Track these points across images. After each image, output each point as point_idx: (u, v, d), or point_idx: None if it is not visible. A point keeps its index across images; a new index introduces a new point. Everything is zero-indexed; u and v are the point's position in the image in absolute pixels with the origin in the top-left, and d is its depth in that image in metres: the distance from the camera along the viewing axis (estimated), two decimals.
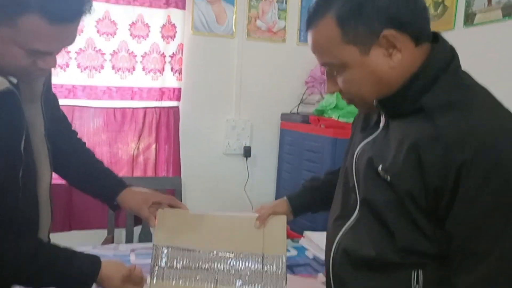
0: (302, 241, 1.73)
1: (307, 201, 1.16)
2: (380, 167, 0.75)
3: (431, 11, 1.97)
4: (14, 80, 0.84)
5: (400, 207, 0.72)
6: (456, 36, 1.82)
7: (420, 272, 0.73)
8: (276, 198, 2.67)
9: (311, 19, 0.76)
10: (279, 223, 1.09)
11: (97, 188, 1.15)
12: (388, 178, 0.73)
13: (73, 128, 1.21)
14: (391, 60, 0.72)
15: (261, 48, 2.61)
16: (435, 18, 1.95)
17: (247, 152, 2.61)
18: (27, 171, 0.87)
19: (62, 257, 0.90)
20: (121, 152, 2.40)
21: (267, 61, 2.63)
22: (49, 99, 1.05)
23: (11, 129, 0.83)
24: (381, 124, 0.81)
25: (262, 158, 2.68)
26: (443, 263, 0.71)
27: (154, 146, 2.44)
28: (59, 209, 2.23)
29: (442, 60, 0.72)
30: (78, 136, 1.21)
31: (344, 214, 0.85)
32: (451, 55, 0.74)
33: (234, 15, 2.52)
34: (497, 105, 0.70)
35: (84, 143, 1.21)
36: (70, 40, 0.81)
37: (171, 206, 1.11)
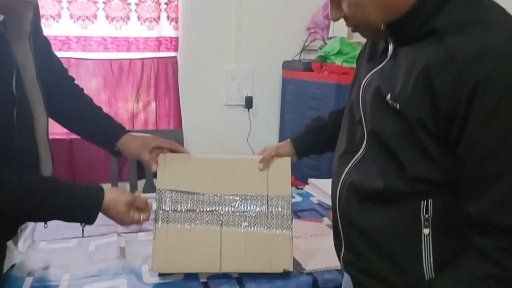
0: (307, 188, 1.72)
1: (310, 142, 1.12)
2: (388, 96, 0.71)
3: None
4: (0, 17, 0.80)
5: (409, 136, 0.69)
6: None
7: (430, 201, 0.71)
8: None
9: None
10: (283, 165, 1.07)
11: (97, 134, 1.12)
12: (397, 106, 0.69)
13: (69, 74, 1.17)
14: None
15: None
16: None
17: (248, 103, 2.56)
18: (22, 113, 0.84)
19: (64, 187, 0.88)
20: (120, 107, 2.36)
21: (267, 7, 2.53)
22: (40, 42, 1.01)
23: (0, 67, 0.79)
24: (389, 52, 0.76)
25: (264, 108, 2.64)
26: (453, 191, 0.69)
27: (153, 99, 2.39)
28: (61, 164, 2.22)
29: None
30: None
31: (351, 149, 0.83)
32: None
33: None
34: None
35: (82, 89, 1.16)
36: None
37: (172, 150, 1.08)
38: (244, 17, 2.48)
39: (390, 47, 0.77)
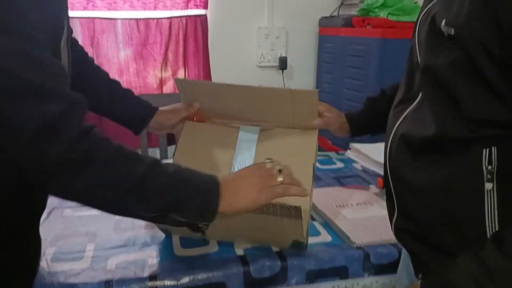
0: (349, 153, 1.57)
1: (367, 121, 1.02)
2: (443, 22, 0.61)
3: None
4: None
5: (468, 67, 0.58)
6: None
7: (494, 150, 0.59)
8: None
9: None
10: (311, 99, 0.90)
11: (122, 114, 1.01)
12: (452, 31, 0.59)
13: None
14: None
15: None
16: None
17: (282, 64, 2.39)
18: None
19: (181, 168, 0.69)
20: (148, 68, 2.25)
21: None
22: None
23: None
24: None
25: (299, 69, 2.46)
26: None
27: (182, 60, 2.26)
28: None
29: None
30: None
31: (407, 98, 0.72)
32: None
33: None
34: None
35: (98, 66, 1.04)
36: None
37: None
38: None
39: None
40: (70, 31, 0.79)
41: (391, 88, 0.97)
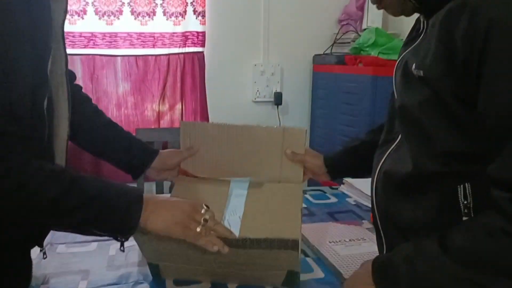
0: (342, 188, 1.59)
1: (345, 164, 1.05)
2: (413, 66, 0.67)
3: None
4: None
5: (435, 103, 0.63)
6: None
7: (468, 186, 0.63)
8: (310, 147, 2.52)
9: None
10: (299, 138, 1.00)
11: (120, 157, 1.02)
12: (421, 73, 0.65)
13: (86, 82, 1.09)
14: None
15: None
16: None
17: (277, 99, 2.45)
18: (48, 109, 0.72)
19: (112, 184, 0.72)
20: (146, 103, 2.30)
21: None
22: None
23: (41, 20, 0.67)
24: (421, 29, 0.71)
25: (294, 104, 2.52)
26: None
27: (179, 95, 2.31)
28: (87, 164, 2.17)
29: None
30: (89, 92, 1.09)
31: (389, 139, 0.77)
32: None
33: None
34: None
35: (97, 106, 1.06)
36: None
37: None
38: (273, 10, 2.38)
39: (422, 25, 0.71)
40: (67, 61, 0.81)
41: (370, 132, 1.02)
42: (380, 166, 0.76)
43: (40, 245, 0.86)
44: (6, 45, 0.60)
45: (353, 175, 1.10)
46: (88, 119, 1.01)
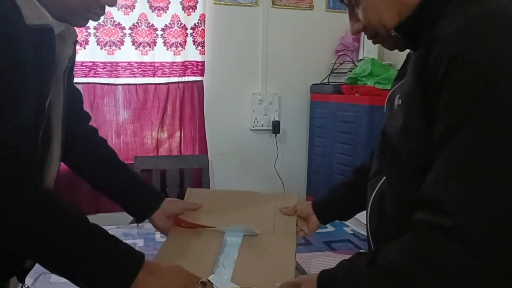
0: None
1: (334, 209, 1.07)
2: (397, 97, 0.72)
3: None
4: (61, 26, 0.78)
5: (409, 131, 0.66)
6: None
7: None
8: (308, 175, 2.54)
9: None
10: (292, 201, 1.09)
11: (125, 198, 1.03)
12: (400, 101, 0.70)
13: (92, 113, 1.12)
14: None
15: (287, 16, 2.45)
16: None
17: (275, 128, 2.47)
18: (43, 144, 0.75)
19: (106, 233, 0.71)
20: (145, 131, 2.32)
21: (294, 30, 2.47)
22: (70, 80, 0.92)
23: (43, 63, 0.71)
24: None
25: (291, 133, 2.54)
26: None
27: (178, 123, 2.34)
28: (85, 192, 2.17)
29: None
30: (95, 125, 1.12)
31: (381, 169, 0.78)
32: None
33: None
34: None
35: (105, 140, 1.09)
36: None
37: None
38: (271, 40, 2.44)
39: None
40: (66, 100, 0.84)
41: (356, 173, 1.04)
42: (374, 196, 0.77)
43: (21, 280, 0.85)
44: (11, 83, 0.64)
45: (341, 219, 1.14)
46: (104, 163, 1.03)
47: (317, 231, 1.46)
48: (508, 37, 0.54)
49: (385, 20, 0.70)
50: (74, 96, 0.98)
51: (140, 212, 1.05)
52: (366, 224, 0.78)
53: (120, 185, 1.03)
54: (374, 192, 0.76)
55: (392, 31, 0.70)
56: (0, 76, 0.62)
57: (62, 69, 0.81)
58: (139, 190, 1.04)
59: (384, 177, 0.75)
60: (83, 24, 0.78)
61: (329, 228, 1.51)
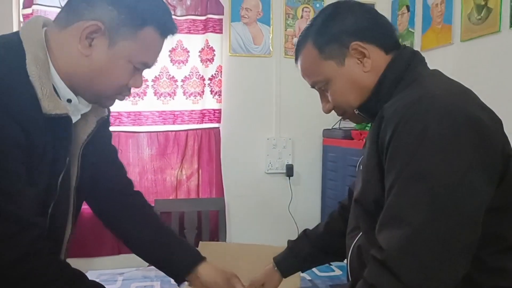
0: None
1: (294, 264, 1.18)
2: (358, 164, 0.89)
3: (475, 15, 1.87)
4: (88, 107, 0.87)
5: (368, 190, 0.79)
6: (502, 39, 1.71)
7: None
8: (322, 216, 2.60)
9: (297, 51, 0.92)
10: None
11: (168, 261, 1.07)
12: (361, 167, 0.83)
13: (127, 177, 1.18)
14: (364, 66, 0.84)
15: None
16: (479, 22, 1.85)
17: (289, 171, 2.57)
18: (54, 216, 0.83)
19: None
20: (165, 175, 2.45)
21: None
22: (104, 151, 1.02)
23: (58, 145, 0.80)
24: None
25: (305, 176, 2.63)
26: None
27: (196, 167, 2.47)
28: (108, 233, 2.28)
29: (402, 60, 0.83)
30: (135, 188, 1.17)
31: (357, 226, 0.90)
32: (410, 55, 0.84)
33: (271, 35, 2.54)
34: (441, 82, 0.78)
35: (151, 206, 1.15)
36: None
37: None
38: (284, 88, 2.58)
39: None
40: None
41: (316, 229, 1.19)
42: (352, 248, 0.87)
43: None
44: (27, 161, 0.73)
45: (303, 271, 1.26)
46: (140, 225, 1.09)
47: (324, 275, 1.54)
48: (431, 114, 0.69)
49: (350, 101, 0.86)
50: (118, 173, 1.09)
51: (180, 271, 1.07)
52: (347, 275, 0.87)
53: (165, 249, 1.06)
54: (352, 246, 0.86)
55: (355, 110, 0.85)
56: (15, 160, 0.70)
57: (79, 145, 0.87)
58: (181, 251, 1.07)
59: (361, 233, 0.84)
60: (110, 105, 0.89)
61: (337, 271, 1.58)
